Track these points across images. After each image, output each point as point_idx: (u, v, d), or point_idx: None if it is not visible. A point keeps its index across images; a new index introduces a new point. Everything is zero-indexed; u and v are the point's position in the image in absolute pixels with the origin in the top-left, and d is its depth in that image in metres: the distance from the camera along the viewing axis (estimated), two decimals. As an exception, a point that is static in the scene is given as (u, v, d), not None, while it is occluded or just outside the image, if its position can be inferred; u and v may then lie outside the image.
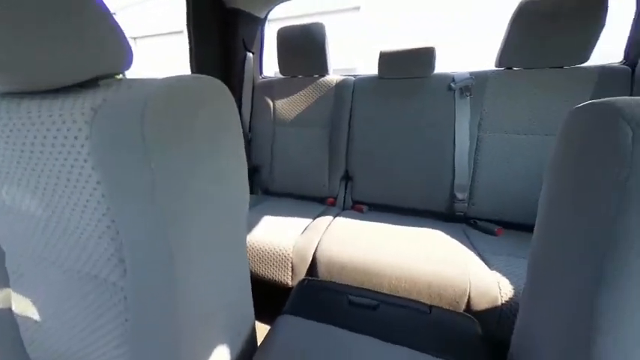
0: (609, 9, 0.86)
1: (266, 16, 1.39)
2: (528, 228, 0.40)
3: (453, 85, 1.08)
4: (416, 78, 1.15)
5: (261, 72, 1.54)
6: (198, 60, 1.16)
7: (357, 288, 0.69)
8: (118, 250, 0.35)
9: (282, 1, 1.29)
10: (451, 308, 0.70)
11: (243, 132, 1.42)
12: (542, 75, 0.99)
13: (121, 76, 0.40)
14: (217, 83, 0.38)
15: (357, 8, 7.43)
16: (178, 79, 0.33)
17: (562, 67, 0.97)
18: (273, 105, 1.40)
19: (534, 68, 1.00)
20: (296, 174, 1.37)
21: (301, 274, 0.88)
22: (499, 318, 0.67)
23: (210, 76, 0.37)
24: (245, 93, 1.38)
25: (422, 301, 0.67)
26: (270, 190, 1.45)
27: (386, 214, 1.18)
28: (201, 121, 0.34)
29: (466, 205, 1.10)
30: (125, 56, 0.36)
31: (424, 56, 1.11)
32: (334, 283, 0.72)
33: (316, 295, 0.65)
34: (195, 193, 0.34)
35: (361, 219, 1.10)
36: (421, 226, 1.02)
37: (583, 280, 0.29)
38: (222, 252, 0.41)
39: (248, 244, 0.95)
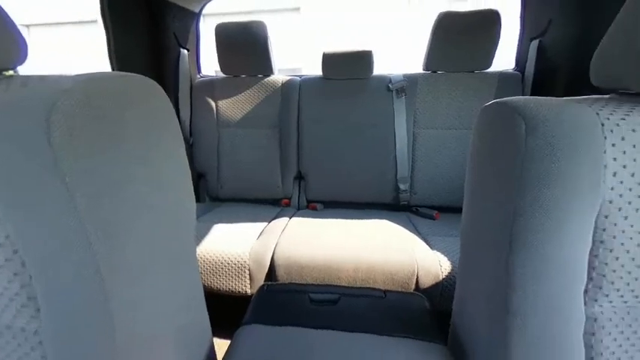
0: (510, 27, 1.07)
1: (200, 11, 1.30)
2: (460, 210, 0.47)
3: (390, 86, 1.19)
4: (357, 79, 1.22)
5: (199, 71, 1.43)
6: (121, 56, 1.01)
7: (317, 285, 0.70)
8: (25, 286, 0.29)
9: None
10: (403, 289, 0.77)
11: (184, 135, 1.30)
12: (459, 78, 1.16)
13: (11, 72, 0.33)
14: (149, 82, 0.34)
15: (297, 9, 7.49)
16: (99, 77, 0.29)
17: (473, 72, 1.16)
18: (216, 106, 1.32)
19: (453, 72, 1.17)
20: (247, 177, 1.32)
21: (260, 280, 0.86)
22: (441, 291, 0.77)
23: (139, 75, 0.33)
24: (182, 93, 1.27)
25: (378, 287, 0.72)
26: (219, 197, 1.36)
27: (339, 210, 1.23)
28: (131, 124, 0.30)
29: (409, 194, 1.22)
30: (16, 49, 0.30)
31: (363, 58, 1.19)
32: (294, 284, 0.72)
33: (277, 300, 0.64)
34: (130, 202, 0.30)
35: (316, 217, 1.12)
36: (372, 218, 1.09)
37: (500, 246, 0.35)
38: (167, 267, 0.37)
39: (199, 257, 0.88)
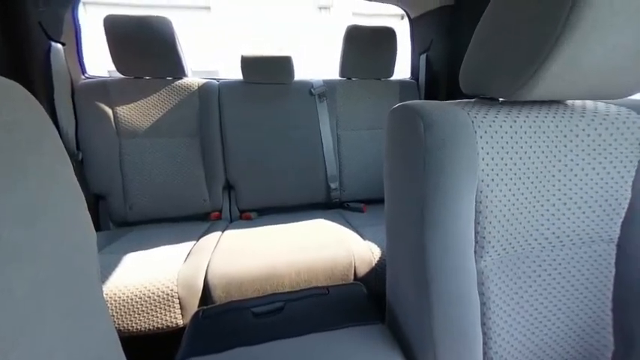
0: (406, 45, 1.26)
1: (78, -2, 1.06)
2: (383, 200, 0.53)
3: (312, 90, 1.24)
4: (279, 84, 1.23)
5: (83, 70, 1.17)
6: None
7: (260, 297, 0.66)
8: None
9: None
10: (343, 281, 0.81)
11: (68, 150, 1.03)
12: (370, 84, 1.31)
13: None
14: (8, 84, 0.26)
15: (208, 8, 6.99)
16: None
17: (380, 79, 1.32)
18: (114, 112, 1.10)
19: (364, 79, 1.30)
20: (164, 194, 1.15)
21: (193, 307, 0.76)
22: (375, 276, 0.84)
23: None
24: (59, 98, 1.00)
25: (321, 285, 0.73)
26: (128, 221, 1.14)
27: (274, 216, 1.21)
28: None
29: (339, 192, 1.29)
30: None
31: (283, 64, 1.20)
32: (235, 301, 0.66)
33: (216, 323, 0.58)
34: None
35: (251, 226, 1.07)
36: (308, 219, 1.11)
37: (415, 226, 0.41)
38: (62, 322, 0.29)
39: (109, 297, 0.71)
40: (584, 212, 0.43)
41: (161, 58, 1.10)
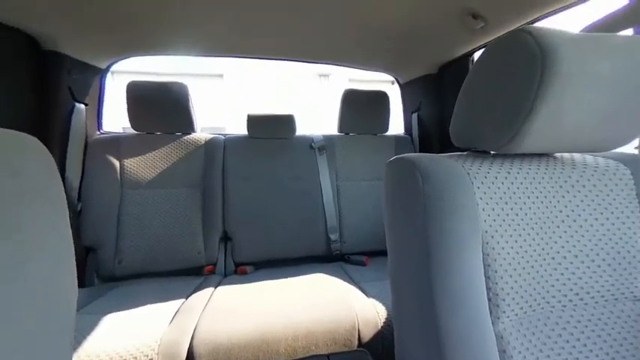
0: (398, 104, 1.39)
1: (108, 67, 1.21)
2: (386, 252, 0.51)
3: (313, 144, 1.31)
4: (281, 139, 1.31)
5: (99, 127, 1.26)
6: None
7: None
8: None
9: (129, 56, 1.18)
10: (346, 347, 0.72)
11: (69, 201, 1.04)
12: (367, 139, 1.39)
13: None
14: (23, 137, 0.28)
15: (221, 75, 7.93)
16: None
17: (376, 135, 1.41)
18: (121, 165, 1.14)
19: (361, 134, 1.39)
20: (158, 246, 1.11)
21: None
22: (382, 341, 0.75)
23: (12, 130, 0.28)
24: (71, 151, 1.05)
25: (320, 352, 0.65)
26: (115, 276, 1.07)
27: (272, 270, 1.14)
28: None
29: (339, 244, 1.25)
30: None
31: (286, 121, 1.30)
32: None
33: None
34: None
35: (247, 282, 1.00)
36: (307, 273, 1.05)
37: (421, 280, 0.39)
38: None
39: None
40: (599, 266, 0.41)
41: (174, 116, 1.19)
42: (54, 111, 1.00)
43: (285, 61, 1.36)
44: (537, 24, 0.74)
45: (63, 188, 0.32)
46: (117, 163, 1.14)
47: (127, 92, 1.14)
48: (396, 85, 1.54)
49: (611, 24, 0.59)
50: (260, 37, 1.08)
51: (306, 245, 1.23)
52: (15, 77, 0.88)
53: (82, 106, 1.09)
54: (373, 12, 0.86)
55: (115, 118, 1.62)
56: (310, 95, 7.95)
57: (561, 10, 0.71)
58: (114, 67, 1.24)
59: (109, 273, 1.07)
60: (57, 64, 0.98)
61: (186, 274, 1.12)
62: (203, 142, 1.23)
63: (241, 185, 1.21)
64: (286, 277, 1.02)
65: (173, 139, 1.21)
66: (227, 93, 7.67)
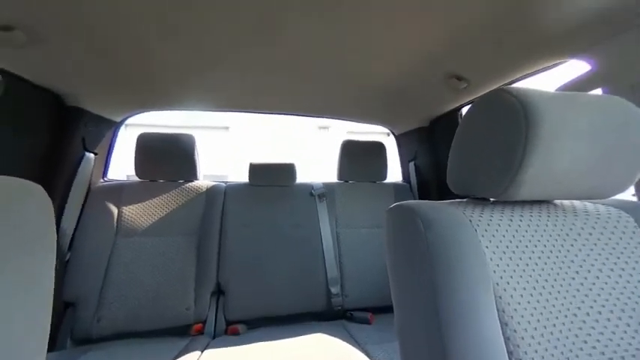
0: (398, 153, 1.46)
1: (123, 121, 1.30)
2: (391, 308, 0.47)
3: (313, 191, 1.32)
4: (282, 186, 1.32)
5: (104, 174, 1.29)
6: (8, 155, 0.84)
7: None
8: None
9: (144, 111, 1.28)
10: None
11: (59, 251, 1.00)
12: (366, 186, 1.41)
13: None
14: (28, 185, 0.29)
15: (227, 128, 8.47)
16: None
17: (375, 182, 1.44)
18: (119, 212, 1.13)
19: (361, 182, 1.41)
20: (145, 298, 1.03)
21: None
22: None
23: (15, 178, 0.29)
24: (72, 198, 1.06)
25: None
26: (92, 337, 0.96)
27: (266, 330, 1.03)
28: None
29: (341, 298, 1.15)
30: None
31: (287, 169, 1.34)
32: None
33: None
34: None
35: (238, 344, 0.89)
36: (305, 333, 0.94)
37: (433, 342, 0.34)
38: None
39: None
40: (628, 325, 0.37)
41: (179, 164, 1.23)
42: (64, 159, 1.04)
43: (288, 116, 1.47)
44: (514, 85, 0.82)
45: (56, 239, 0.31)
46: (115, 211, 1.13)
47: (137, 143, 1.20)
48: (392, 137, 1.63)
49: (579, 85, 0.65)
50: (265, 95, 1.19)
51: (304, 299, 1.14)
52: (36, 130, 0.94)
53: (92, 155, 1.14)
54: (367, 73, 0.97)
55: (124, 166, 1.68)
56: (311, 146, 8.36)
57: (534, 74, 0.80)
58: (128, 120, 1.33)
59: (85, 334, 0.96)
60: (76, 118, 1.06)
61: (172, 334, 1.01)
62: (204, 190, 1.25)
63: (240, 232, 1.19)
64: (282, 338, 0.92)
65: (175, 187, 1.23)
66: (232, 144, 8.09)
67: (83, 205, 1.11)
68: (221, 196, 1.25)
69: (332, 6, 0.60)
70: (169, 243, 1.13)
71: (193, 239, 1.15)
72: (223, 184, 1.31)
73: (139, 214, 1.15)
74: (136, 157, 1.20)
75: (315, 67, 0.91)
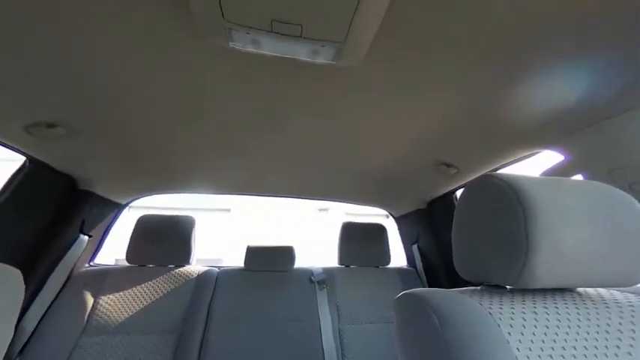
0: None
1: (128, 203, 1.33)
2: None
3: (312, 278, 1.22)
4: (279, 272, 1.23)
5: (92, 258, 1.22)
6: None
7: None
8: None
9: (151, 194, 1.32)
10: None
11: (11, 349, 0.84)
12: (369, 272, 1.31)
13: None
14: (8, 271, 0.27)
15: (228, 210, 8.59)
16: None
17: (378, 267, 1.34)
18: (94, 304, 1.01)
19: (363, 266, 1.32)
20: None
21: None
22: None
23: None
24: (50, 284, 0.97)
25: None
26: None
27: None
28: None
29: None
30: None
31: (285, 253, 1.27)
32: None
33: None
34: None
35: None
36: None
37: None
38: None
39: None
40: None
41: (172, 248, 1.19)
42: (57, 241, 1.01)
43: (289, 198, 1.51)
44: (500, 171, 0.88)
45: (10, 340, 0.27)
46: (91, 302, 1.02)
47: (136, 225, 1.19)
48: (391, 218, 1.63)
49: (560, 171, 0.70)
50: (268, 179, 1.26)
51: None
52: (42, 211, 0.95)
53: (86, 238, 1.11)
54: (364, 159, 1.05)
55: (118, 249, 1.61)
56: (311, 228, 8.29)
57: (518, 161, 0.87)
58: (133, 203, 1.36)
59: None
60: (84, 200, 1.09)
61: None
62: (195, 276, 1.16)
63: (228, 328, 1.03)
64: None
65: (164, 272, 1.15)
66: (234, 226, 8.04)
67: (59, 292, 1.01)
68: (212, 283, 1.15)
69: (332, 104, 0.70)
70: (142, 344, 0.96)
71: (171, 340, 0.99)
72: (216, 270, 1.22)
73: (116, 305, 1.03)
74: (131, 240, 1.16)
75: (316, 154, 1.00)
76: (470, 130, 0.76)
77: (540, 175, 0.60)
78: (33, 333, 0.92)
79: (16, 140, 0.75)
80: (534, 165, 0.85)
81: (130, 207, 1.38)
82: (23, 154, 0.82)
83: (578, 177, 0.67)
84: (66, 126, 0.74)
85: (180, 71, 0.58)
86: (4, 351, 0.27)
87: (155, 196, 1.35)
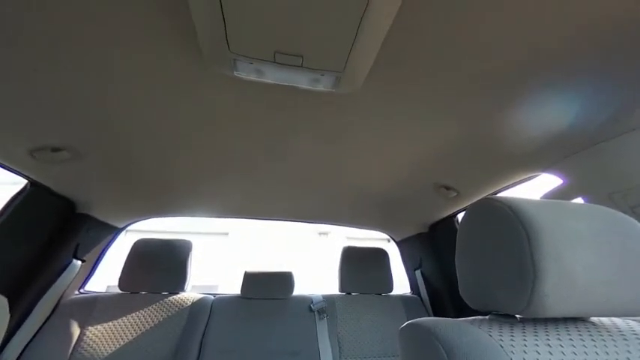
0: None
1: (125, 227, 1.31)
2: None
3: (312, 306, 1.16)
4: (277, 299, 1.18)
5: (83, 285, 1.17)
6: None
7: None
8: None
9: (149, 218, 1.31)
10: None
11: None
12: (371, 299, 1.25)
13: None
14: None
15: (226, 234, 8.44)
16: None
17: (380, 294, 1.29)
18: (81, 334, 0.96)
19: (364, 294, 1.27)
20: None
21: None
22: None
23: None
24: (35, 314, 0.92)
25: None
26: None
27: None
28: None
29: None
30: None
31: (284, 279, 1.23)
32: None
33: None
34: None
35: None
36: None
37: None
38: None
39: None
40: None
41: (167, 274, 1.14)
42: (48, 265, 0.98)
43: (288, 222, 1.49)
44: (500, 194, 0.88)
45: None
46: (77, 333, 0.96)
47: (132, 249, 1.16)
48: (392, 242, 1.60)
49: (560, 195, 0.70)
50: (267, 203, 1.25)
51: None
52: (38, 234, 0.93)
53: (79, 263, 1.08)
54: (362, 183, 1.06)
55: (111, 276, 1.55)
56: (311, 252, 8.08)
57: (518, 184, 0.87)
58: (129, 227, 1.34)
59: None
60: (81, 224, 1.07)
61: None
62: (189, 304, 1.10)
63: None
64: None
65: (157, 300, 1.09)
66: (231, 250, 7.85)
67: (46, 321, 0.96)
68: (206, 312, 1.09)
69: (332, 128, 0.72)
70: None
71: None
72: (211, 298, 1.17)
73: (103, 336, 0.97)
74: (124, 265, 1.12)
75: (316, 177, 1.01)
76: (468, 153, 0.77)
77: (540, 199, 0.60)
78: None
79: (19, 164, 0.76)
80: (534, 188, 0.86)
81: (127, 231, 1.36)
82: (25, 177, 0.82)
83: (579, 200, 0.66)
84: (71, 150, 0.75)
85: (185, 99, 0.60)
86: None
87: (152, 219, 1.33)
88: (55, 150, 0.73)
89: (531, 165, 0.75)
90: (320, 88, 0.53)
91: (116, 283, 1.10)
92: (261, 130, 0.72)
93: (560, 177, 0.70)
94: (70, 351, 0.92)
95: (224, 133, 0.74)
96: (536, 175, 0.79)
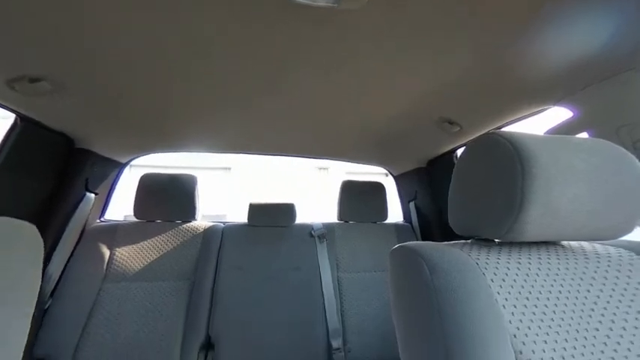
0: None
1: (128, 162, 1.33)
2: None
3: (313, 232, 1.29)
4: (281, 227, 1.30)
5: (102, 214, 1.27)
6: (7, 195, 0.84)
7: None
8: None
9: (150, 153, 1.32)
10: None
11: (40, 299, 0.94)
12: (367, 227, 1.38)
13: None
14: (21, 225, 0.28)
15: (229, 169, 8.65)
16: None
17: (376, 222, 1.41)
18: (111, 255, 1.09)
19: (361, 222, 1.39)
20: (124, 357, 0.93)
21: None
22: None
23: (11, 218, 0.29)
24: (66, 240, 1.03)
25: None
26: None
27: None
28: None
29: (343, 354, 1.04)
30: None
31: (287, 209, 1.33)
32: None
33: None
34: None
35: None
36: None
37: None
38: None
39: None
40: None
41: (178, 204, 1.23)
42: (65, 199, 1.04)
43: (288, 157, 1.51)
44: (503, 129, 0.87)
45: (39, 285, 0.30)
46: (107, 253, 1.09)
47: (139, 183, 1.21)
48: (390, 177, 1.65)
49: (565, 129, 0.69)
50: (267, 138, 1.24)
51: (302, 356, 1.03)
52: (42, 170, 0.96)
53: (93, 195, 1.14)
54: (363, 118, 1.03)
55: (123, 207, 1.67)
56: (311, 186, 8.45)
57: (523, 119, 0.85)
58: (133, 161, 1.37)
59: None
60: (84, 159, 1.09)
61: None
62: (201, 231, 1.22)
63: (235, 277, 1.13)
64: None
65: (172, 227, 1.21)
66: (233, 184, 8.18)
67: (76, 246, 1.08)
68: (218, 237, 1.22)
69: (332, 53, 0.65)
70: (159, 289, 1.06)
71: (185, 285, 1.09)
72: (221, 225, 1.29)
73: (131, 256, 1.11)
74: (136, 197, 1.20)
75: (315, 112, 0.97)
76: (478, 85, 0.73)
77: (545, 134, 0.59)
78: (59, 279, 1.01)
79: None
80: (538, 123, 0.83)
81: (132, 166, 1.39)
82: (11, 110, 0.79)
83: (584, 135, 0.66)
84: (51, 81, 0.70)
85: (172, 18, 0.52)
86: (37, 293, 0.29)
87: (156, 155, 1.35)
88: (34, 80, 0.68)
89: (544, 98, 0.71)
90: (321, 2, 0.46)
91: (131, 213, 1.20)
92: (257, 55, 0.65)
93: (571, 110, 0.68)
94: (105, 268, 1.07)
95: (217, 60, 0.67)
96: (545, 109, 0.76)
